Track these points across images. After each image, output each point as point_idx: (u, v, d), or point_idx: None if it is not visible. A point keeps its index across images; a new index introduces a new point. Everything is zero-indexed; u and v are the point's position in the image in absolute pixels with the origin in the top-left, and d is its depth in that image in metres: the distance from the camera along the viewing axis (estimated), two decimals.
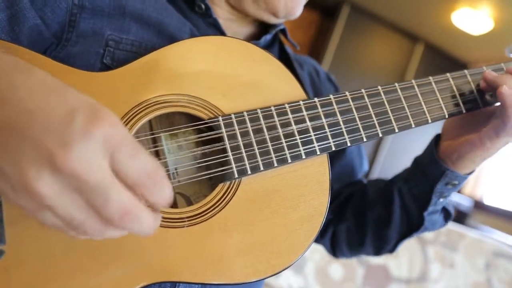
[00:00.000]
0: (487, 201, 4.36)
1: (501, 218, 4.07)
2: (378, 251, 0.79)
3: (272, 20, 0.69)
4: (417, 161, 0.71)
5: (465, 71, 0.63)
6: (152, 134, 0.55)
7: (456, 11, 3.72)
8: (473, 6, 3.56)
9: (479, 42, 4.08)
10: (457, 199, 4.14)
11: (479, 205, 4.35)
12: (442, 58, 4.64)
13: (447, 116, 0.60)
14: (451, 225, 2.09)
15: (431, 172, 0.66)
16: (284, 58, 0.75)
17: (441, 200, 0.68)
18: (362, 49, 4.54)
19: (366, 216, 0.76)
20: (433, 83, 0.61)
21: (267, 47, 0.73)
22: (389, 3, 4.09)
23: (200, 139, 0.55)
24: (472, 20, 3.70)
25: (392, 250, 0.77)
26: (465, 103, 0.61)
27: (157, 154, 0.55)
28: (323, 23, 4.79)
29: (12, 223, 0.42)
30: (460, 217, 3.91)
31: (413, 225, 0.72)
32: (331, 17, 4.55)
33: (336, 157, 0.80)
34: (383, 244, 0.77)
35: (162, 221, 0.47)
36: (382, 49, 4.63)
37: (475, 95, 0.62)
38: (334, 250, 0.84)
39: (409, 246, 1.90)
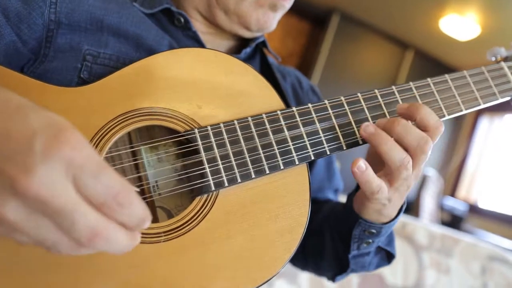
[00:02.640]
0: (482, 205, 4.37)
1: (496, 222, 4.08)
2: (321, 276, 0.76)
3: (246, 34, 0.69)
4: (347, 198, 0.65)
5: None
6: (132, 147, 0.54)
7: (443, 17, 3.77)
8: (460, 12, 3.61)
9: (467, 47, 4.13)
10: (452, 203, 4.14)
11: (474, 209, 4.35)
12: (431, 64, 4.69)
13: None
14: (445, 230, 2.08)
15: (350, 216, 0.61)
16: (267, 70, 0.75)
17: (364, 245, 0.63)
18: (352, 57, 4.58)
19: (307, 242, 0.73)
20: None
21: (248, 60, 0.73)
22: (378, 11, 4.14)
23: (180, 151, 0.54)
24: (460, 26, 3.75)
25: (331, 280, 0.72)
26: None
27: (137, 167, 0.54)
28: (313, 32, 4.83)
29: None
30: (456, 221, 3.91)
31: (342, 265, 0.68)
32: (321, 26, 4.60)
33: None
34: (322, 273, 0.74)
35: None
36: (372, 57, 4.67)
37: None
38: (293, 262, 0.82)
39: (403, 253, 1.88)
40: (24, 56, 0.56)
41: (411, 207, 3.59)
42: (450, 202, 4.18)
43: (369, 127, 0.52)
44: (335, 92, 4.31)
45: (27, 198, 0.29)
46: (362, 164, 0.51)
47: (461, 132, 4.87)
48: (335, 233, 0.68)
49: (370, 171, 0.51)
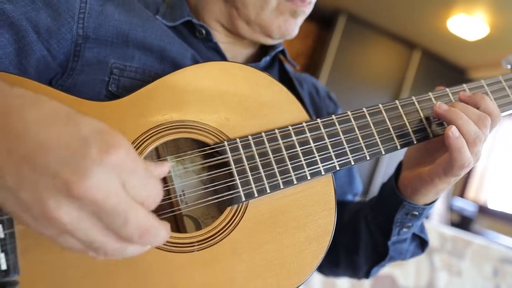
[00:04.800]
0: (492, 205, 4.34)
1: (506, 222, 4.05)
2: (354, 275, 0.78)
3: (268, 41, 0.70)
4: (382, 188, 0.69)
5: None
6: (159, 160, 0.56)
7: (451, 17, 3.76)
8: (468, 12, 3.59)
9: (476, 47, 4.11)
10: (461, 204, 4.12)
11: (483, 210, 4.33)
12: (439, 64, 4.67)
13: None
14: (456, 232, 2.08)
15: (391, 201, 0.64)
16: (285, 78, 0.76)
17: (405, 230, 0.66)
18: (360, 57, 4.57)
19: (338, 240, 0.75)
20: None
21: (267, 68, 0.74)
22: (385, 11, 4.14)
23: (207, 164, 0.56)
24: (468, 26, 3.73)
25: (366, 276, 0.75)
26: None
27: (164, 179, 0.56)
28: (320, 33, 4.83)
29: (25, 252, 0.43)
30: (465, 222, 3.89)
31: (380, 254, 0.70)
32: (328, 27, 4.60)
33: None
34: (356, 270, 0.76)
35: (173, 246, 0.48)
36: (379, 57, 4.66)
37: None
38: (322, 270, 0.83)
39: None
40: (53, 69, 0.58)
41: None
42: (459, 203, 4.16)
43: (443, 105, 0.57)
44: (342, 93, 4.31)
45: (82, 201, 0.31)
46: (456, 130, 0.54)
47: None
48: (372, 223, 0.70)
49: (464, 140, 0.54)
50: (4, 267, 0.41)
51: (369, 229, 0.70)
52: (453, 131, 0.54)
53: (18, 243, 0.43)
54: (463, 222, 3.90)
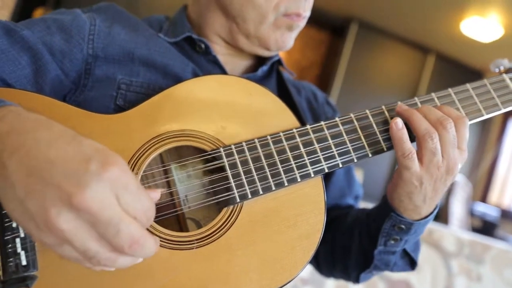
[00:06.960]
0: None
1: None
2: (346, 278, 0.79)
3: (265, 53, 0.75)
4: (381, 199, 0.70)
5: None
6: (164, 166, 0.61)
7: (464, 20, 3.74)
8: (482, 14, 3.57)
9: (491, 49, 4.06)
10: (483, 209, 4.04)
11: (507, 214, 4.22)
12: (454, 68, 4.63)
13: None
14: (474, 237, 2.05)
15: (382, 211, 0.66)
16: (282, 86, 0.81)
17: (392, 242, 0.66)
18: (373, 64, 4.58)
19: (337, 243, 0.78)
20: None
21: (265, 77, 0.79)
22: (396, 17, 4.14)
23: (206, 168, 0.60)
24: (482, 28, 3.71)
25: (356, 281, 0.76)
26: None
27: (169, 184, 0.61)
28: (332, 42, 4.87)
29: (43, 250, 0.48)
30: (487, 227, 3.81)
31: (367, 261, 0.71)
32: (340, 35, 4.63)
33: None
34: (347, 274, 0.77)
35: (173, 244, 0.52)
36: (393, 63, 4.65)
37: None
38: (320, 270, 0.85)
39: (431, 260, 1.87)
40: (67, 86, 0.64)
41: (440, 214, 3.53)
42: (481, 207, 4.08)
43: (403, 105, 0.62)
44: (356, 100, 4.32)
45: (80, 210, 0.35)
46: (400, 122, 0.59)
47: (489, 135, 4.76)
48: (364, 229, 0.72)
49: (405, 132, 0.59)
50: (24, 262, 0.46)
51: (360, 236, 0.72)
52: (396, 122, 0.59)
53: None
54: (485, 228, 3.81)
